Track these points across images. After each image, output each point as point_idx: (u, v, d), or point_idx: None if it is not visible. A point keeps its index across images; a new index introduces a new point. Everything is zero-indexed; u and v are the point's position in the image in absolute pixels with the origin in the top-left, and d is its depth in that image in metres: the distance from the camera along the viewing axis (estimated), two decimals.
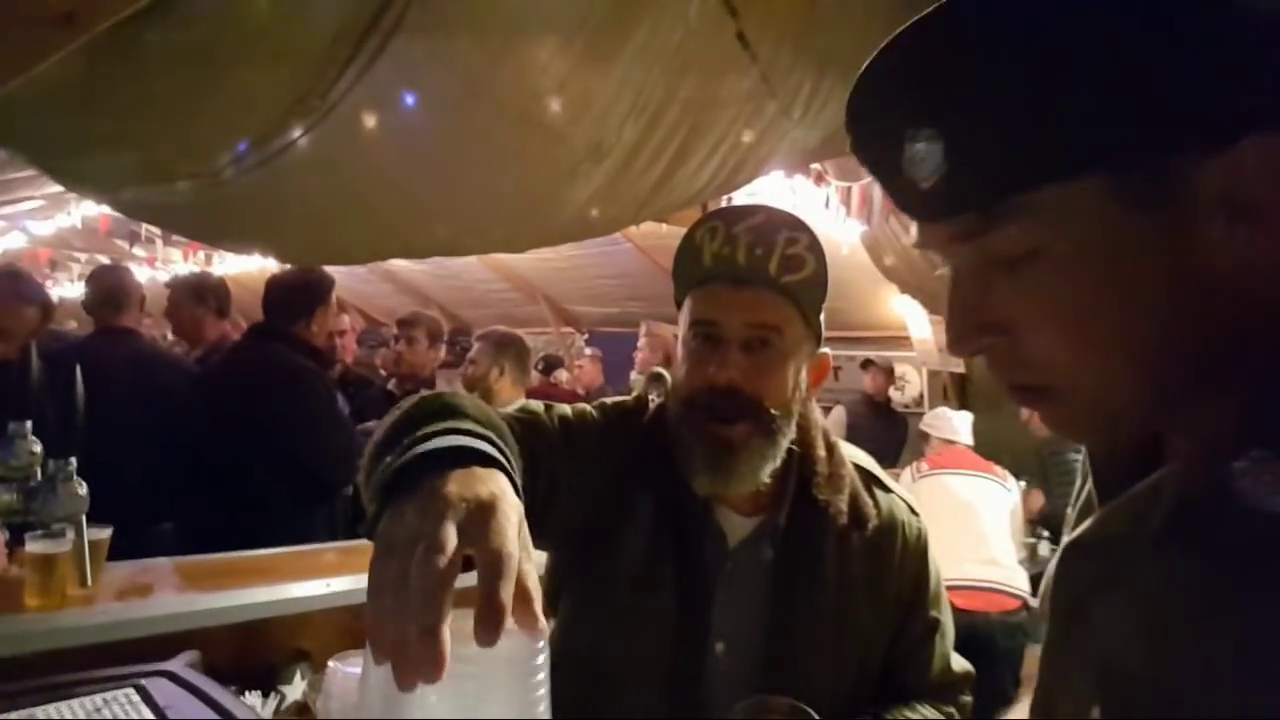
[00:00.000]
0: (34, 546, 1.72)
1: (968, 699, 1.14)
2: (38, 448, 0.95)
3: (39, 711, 1.07)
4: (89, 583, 1.12)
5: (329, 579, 2.04)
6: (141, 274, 8.45)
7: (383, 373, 4.01)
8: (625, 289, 6.73)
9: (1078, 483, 0.64)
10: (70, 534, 1.76)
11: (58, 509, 0.94)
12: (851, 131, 0.55)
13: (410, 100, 1.17)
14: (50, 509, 0.93)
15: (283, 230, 1.47)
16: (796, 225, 1.03)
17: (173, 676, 1.24)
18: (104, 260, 6.92)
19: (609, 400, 1.15)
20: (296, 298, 2.80)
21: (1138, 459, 0.55)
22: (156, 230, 7.26)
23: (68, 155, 1.11)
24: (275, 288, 2.89)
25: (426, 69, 1.17)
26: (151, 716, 1.12)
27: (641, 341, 4.56)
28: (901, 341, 5.66)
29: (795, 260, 0.99)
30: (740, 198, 3.20)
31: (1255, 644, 0.43)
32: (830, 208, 4.02)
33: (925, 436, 3.89)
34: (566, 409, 1.09)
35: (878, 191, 3.22)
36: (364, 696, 0.52)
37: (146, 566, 2.08)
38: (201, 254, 7.80)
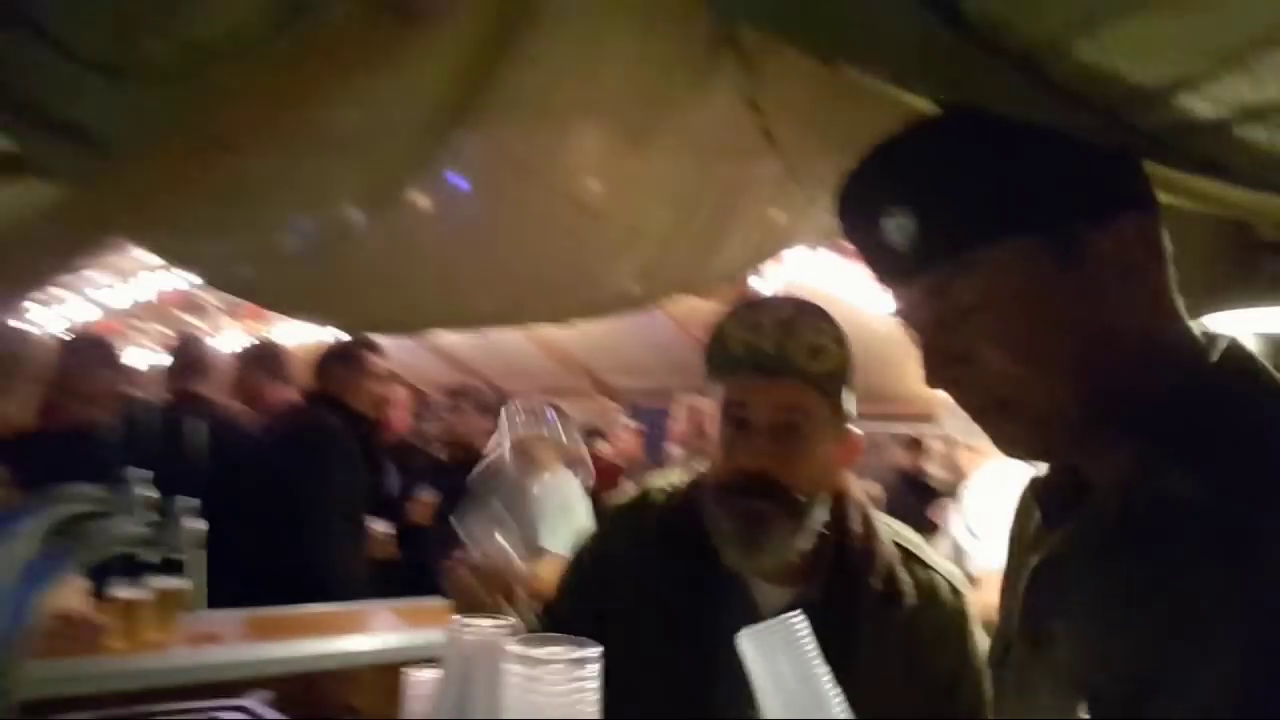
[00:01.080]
0: (120, 592, 1.87)
1: None
2: (154, 492, 1.09)
3: None
4: (204, 605, 1.23)
5: (384, 634, 2.15)
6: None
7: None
8: (663, 362, 6.87)
9: (1015, 524, 0.76)
10: (151, 581, 1.90)
11: (182, 540, 1.07)
12: (843, 218, 0.70)
13: (466, 184, 1.34)
14: (174, 540, 1.06)
15: (347, 301, 1.64)
16: (821, 315, 1.10)
17: (247, 711, 1.36)
18: (167, 332, 7.30)
19: (610, 509, 1.25)
20: (340, 364, 3.01)
21: (1070, 491, 0.66)
22: (222, 305, 7.65)
23: (170, 238, 1.29)
24: (325, 355, 3.11)
25: (480, 155, 1.34)
26: None
27: (679, 414, 4.65)
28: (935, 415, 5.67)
29: (821, 350, 1.06)
30: (773, 274, 3.34)
31: (1185, 627, 0.53)
32: (862, 280, 4.14)
33: None
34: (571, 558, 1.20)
35: None
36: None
37: (216, 616, 2.21)
38: (260, 326, 8.17)
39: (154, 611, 1.87)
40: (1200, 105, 0.58)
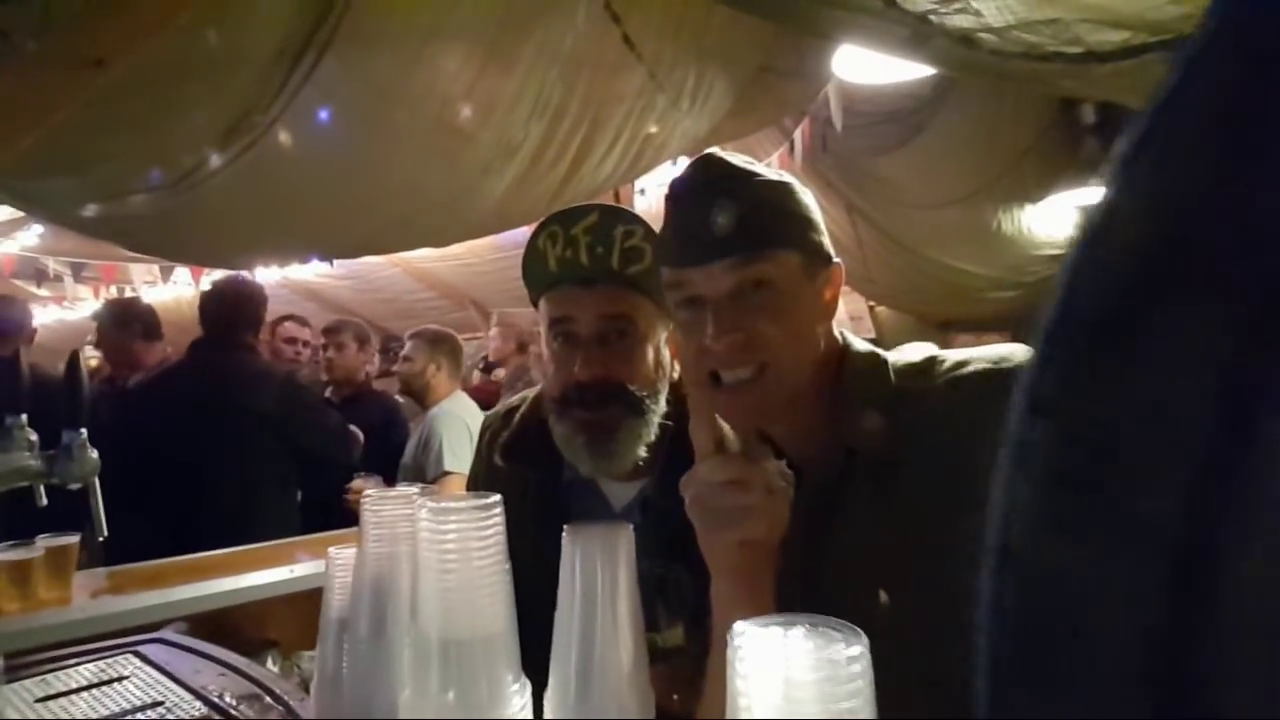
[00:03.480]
0: (6, 555, 1.81)
1: None
2: (34, 436, 1.09)
3: (49, 680, 1.19)
4: (104, 532, 1.23)
5: (292, 566, 2.17)
6: (49, 313, 8.25)
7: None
8: None
9: None
10: (40, 542, 1.86)
11: (76, 471, 1.07)
12: (678, 201, 0.83)
13: (334, 113, 1.33)
14: (69, 471, 1.06)
15: (225, 238, 1.60)
16: (632, 219, 1.09)
17: (166, 642, 1.38)
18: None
19: (481, 426, 1.26)
20: (240, 310, 2.90)
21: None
22: (65, 269, 7.12)
23: (27, 178, 1.23)
24: (214, 302, 2.96)
25: (348, 84, 1.33)
26: (155, 672, 1.25)
27: (494, 331, 4.67)
28: None
29: (635, 252, 1.05)
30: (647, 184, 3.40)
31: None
32: None
33: None
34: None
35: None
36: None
37: (114, 571, 2.18)
38: (113, 289, 7.67)
39: (46, 569, 1.83)
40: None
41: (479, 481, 1.23)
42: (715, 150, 0.92)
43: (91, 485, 1.18)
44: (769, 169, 0.94)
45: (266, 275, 4.46)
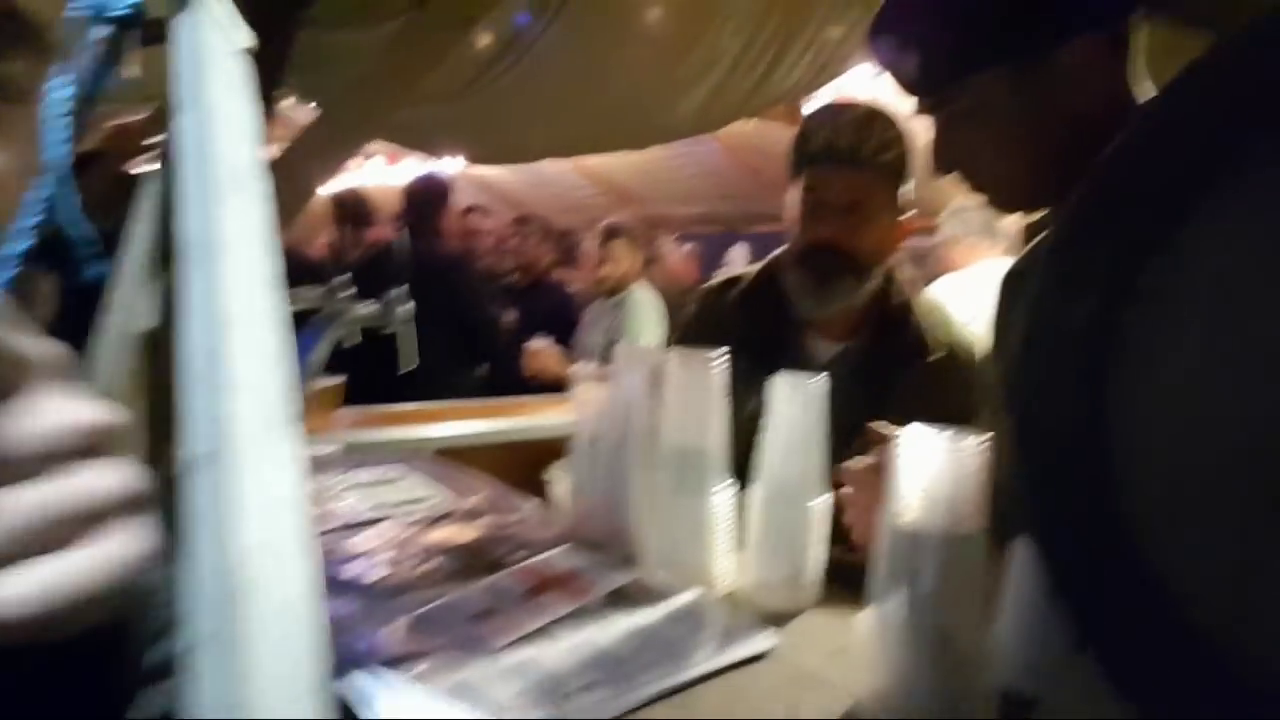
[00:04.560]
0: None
1: None
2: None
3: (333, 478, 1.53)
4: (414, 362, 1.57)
5: (492, 421, 2.59)
6: None
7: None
8: (715, 188, 6.92)
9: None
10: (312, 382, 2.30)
11: (398, 318, 1.42)
12: (875, 37, 0.93)
13: (579, 31, 1.54)
14: (392, 317, 1.41)
15: (479, 135, 1.88)
16: (889, 119, 1.30)
17: (420, 462, 1.74)
18: None
19: (699, 293, 1.50)
20: (430, 201, 3.29)
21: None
22: None
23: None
24: (414, 194, 3.38)
25: (588, 8, 1.53)
26: (424, 476, 1.58)
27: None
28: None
29: (887, 145, 1.27)
30: (827, 93, 3.44)
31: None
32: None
33: None
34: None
35: None
36: None
37: (371, 409, 2.66)
38: None
39: (314, 404, 2.27)
40: None
41: (690, 339, 1.38)
42: None
43: (407, 329, 1.52)
44: None
45: (453, 167, 4.84)
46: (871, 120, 1.29)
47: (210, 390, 0.31)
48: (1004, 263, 1.08)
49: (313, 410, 2.27)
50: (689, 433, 0.96)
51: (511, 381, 3.77)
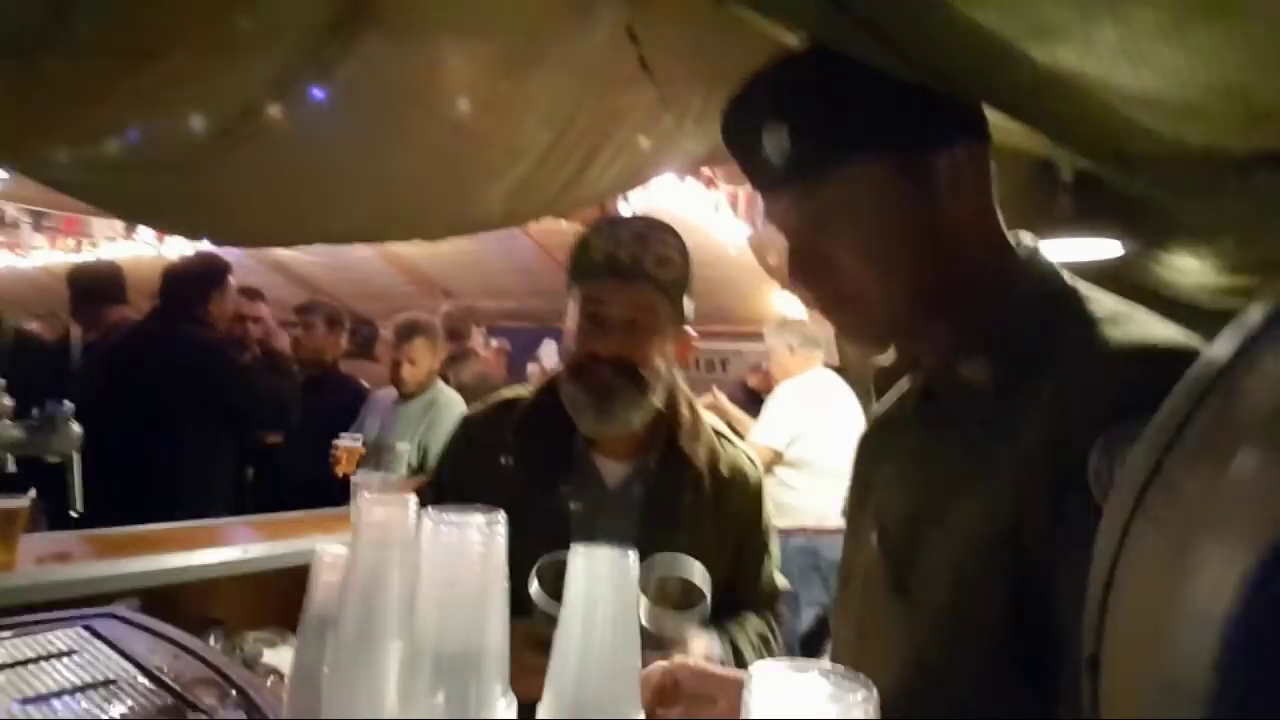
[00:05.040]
0: None
1: (784, 610, 1.43)
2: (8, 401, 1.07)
3: None
4: (79, 509, 1.22)
5: (245, 546, 2.14)
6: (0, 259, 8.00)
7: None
8: (525, 284, 6.85)
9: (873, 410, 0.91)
10: None
11: (57, 444, 1.06)
12: (727, 133, 0.79)
13: (350, 102, 1.33)
14: (49, 444, 1.05)
15: (217, 213, 1.59)
16: (669, 231, 1.29)
17: (118, 617, 1.35)
18: None
19: (467, 417, 1.43)
20: (194, 282, 2.90)
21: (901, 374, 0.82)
22: (25, 216, 6.91)
23: (20, 142, 1.21)
24: (174, 273, 2.97)
25: (366, 76, 1.33)
26: (106, 648, 1.22)
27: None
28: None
29: (668, 260, 1.25)
30: (637, 197, 3.42)
31: (973, 478, 0.68)
32: (719, 211, 4.31)
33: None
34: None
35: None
36: None
37: (61, 537, 2.12)
38: (71, 241, 7.45)
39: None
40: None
41: (462, 467, 1.31)
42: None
43: (69, 459, 1.17)
44: None
45: (235, 250, 4.40)
46: (652, 232, 1.27)
47: None
48: (827, 373, 1.03)
49: None
50: (454, 628, 0.71)
51: (279, 488, 3.32)
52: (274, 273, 7.84)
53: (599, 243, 1.27)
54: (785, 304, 5.69)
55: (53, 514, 2.49)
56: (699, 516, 1.29)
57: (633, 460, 1.31)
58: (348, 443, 3.08)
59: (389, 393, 3.36)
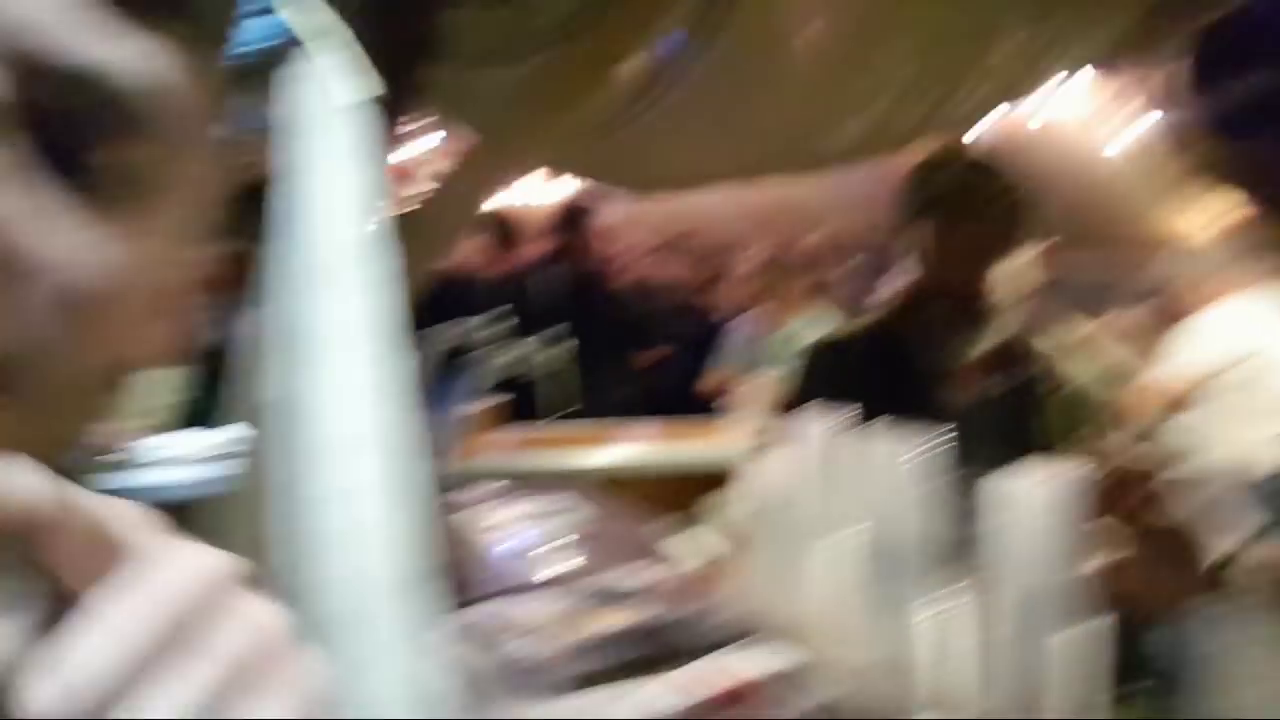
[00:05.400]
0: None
1: None
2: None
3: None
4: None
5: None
6: None
7: None
8: (866, 216, 6.64)
9: None
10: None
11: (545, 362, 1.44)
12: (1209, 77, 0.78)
13: (742, 48, 1.48)
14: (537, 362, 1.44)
15: (636, 163, 1.88)
16: (1001, 166, 1.35)
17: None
18: None
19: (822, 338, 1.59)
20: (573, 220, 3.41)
21: None
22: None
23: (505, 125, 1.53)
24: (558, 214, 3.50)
25: (753, 21, 1.47)
26: None
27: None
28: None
29: (1005, 190, 1.32)
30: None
31: None
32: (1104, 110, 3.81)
33: None
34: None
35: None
36: None
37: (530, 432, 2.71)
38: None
39: (475, 427, 2.32)
40: None
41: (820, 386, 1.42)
42: None
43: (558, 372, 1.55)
44: None
45: None
46: (989, 167, 1.34)
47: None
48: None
49: (473, 432, 2.34)
50: (893, 531, 0.84)
51: (666, 400, 3.74)
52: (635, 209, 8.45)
53: (939, 177, 1.35)
54: (1188, 219, 4.89)
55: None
56: (1040, 435, 1.30)
57: (978, 386, 1.36)
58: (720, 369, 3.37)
59: (754, 321, 3.59)
